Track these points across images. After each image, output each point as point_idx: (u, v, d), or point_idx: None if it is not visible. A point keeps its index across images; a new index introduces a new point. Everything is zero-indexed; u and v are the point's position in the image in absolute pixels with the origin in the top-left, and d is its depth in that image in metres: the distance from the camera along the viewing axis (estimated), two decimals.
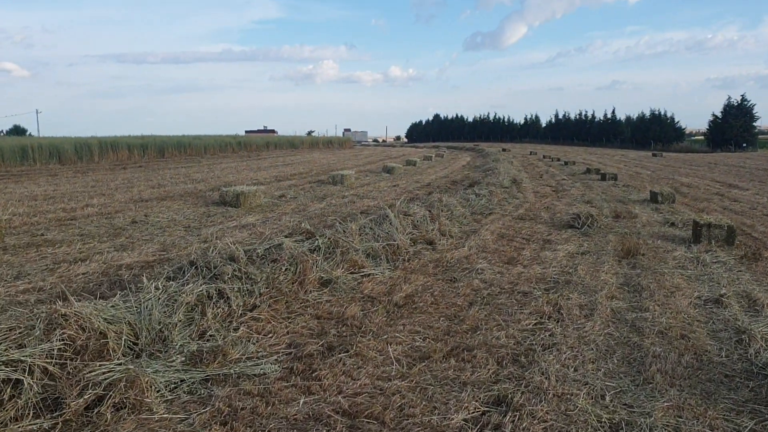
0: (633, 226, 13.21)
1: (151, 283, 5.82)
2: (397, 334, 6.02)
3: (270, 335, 5.93)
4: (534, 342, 5.92)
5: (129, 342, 4.94)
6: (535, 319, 6.63)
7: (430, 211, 12.09)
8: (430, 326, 6.36)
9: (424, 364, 5.33)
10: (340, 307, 6.92)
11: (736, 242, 10.96)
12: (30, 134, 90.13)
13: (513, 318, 6.68)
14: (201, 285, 6.08)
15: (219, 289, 6.21)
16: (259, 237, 10.72)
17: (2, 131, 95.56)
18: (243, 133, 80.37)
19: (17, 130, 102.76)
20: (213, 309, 5.91)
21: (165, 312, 5.46)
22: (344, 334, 6.05)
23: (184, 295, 5.74)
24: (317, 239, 8.42)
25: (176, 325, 5.37)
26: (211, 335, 5.56)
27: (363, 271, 8.35)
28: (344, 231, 9.28)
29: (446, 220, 12.18)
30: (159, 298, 5.58)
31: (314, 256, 7.97)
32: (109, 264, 8.82)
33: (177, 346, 5.09)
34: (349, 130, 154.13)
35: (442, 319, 6.62)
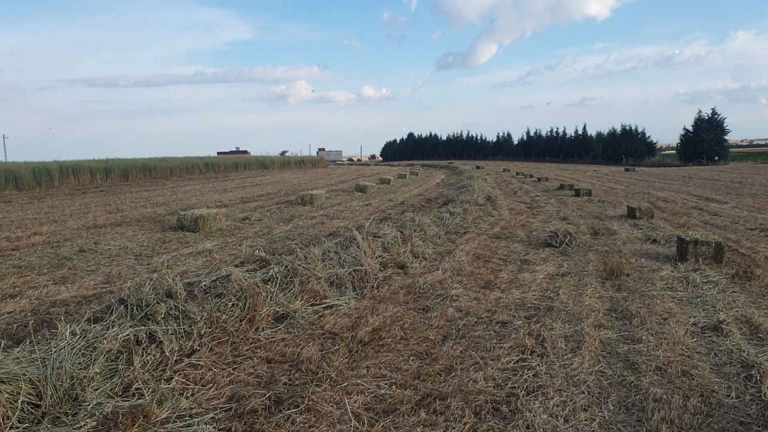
0: (613, 243, 12.55)
1: (67, 328, 4.94)
2: (359, 381, 5.19)
3: (209, 386, 5.06)
4: (516, 384, 5.14)
5: (29, 404, 4.05)
6: (517, 355, 5.85)
7: (401, 231, 11.31)
8: (398, 368, 5.54)
9: (388, 419, 4.50)
10: (295, 347, 6.07)
11: (724, 260, 10.33)
12: None
13: (492, 354, 5.90)
14: (128, 328, 5.20)
15: (150, 332, 5.34)
16: (216, 265, 9.84)
17: None
18: (215, 155, 78.95)
19: None
20: (141, 356, 5.04)
21: (80, 363, 4.58)
22: (297, 382, 5.21)
23: (106, 341, 4.87)
24: (272, 267, 7.57)
25: (93, 378, 4.49)
26: (137, 389, 4.69)
27: (325, 302, 7.52)
28: (305, 257, 8.45)
29: (419, 240, 11.41)
30: (74, 347, 4.70)
31: (269, 287, 7.13)
32: (42, 300, 7.88)
33: (90, 407, 4.21)
34: (323, 149, 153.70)
35: (412, 358, 5.80)
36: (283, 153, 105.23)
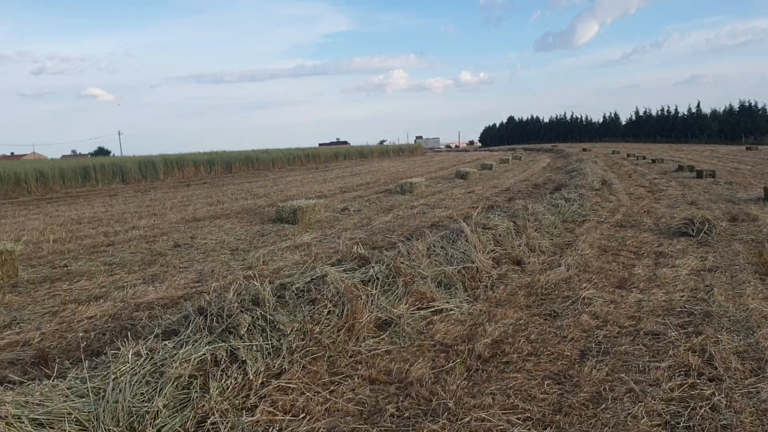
0: (759, 231, 10.84)
1: (130, 348, 4.15)
2: (484, 414, 4.12)
3: (301, 416, 4.15)
4: (692, 423, 3.92)
5: None
6: (681, 379, 4.62)
7: (514, 221, 10.12)
8: (531, 395, 4.44)
9: None
10: (402, 363, 5.10)
11: None
12: (113, 155, 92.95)
13: (648, 377, 4.69)
14: (205, 345, 4.37)
15: (231, 349, 4.49)
16: (311, 263, 9.01)
17: (88, 153, 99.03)
18: (317, 146, 79.63)
19: (101, 152, 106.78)
20: (220, 381, 4.19)
21: (143, 394, 3.77)
22: (407, 413, 4.21)
23: (176, 364, 4.04)
24: (372, 266, 6.62)
25: (158, 413, 3.67)
26: (212, 424, 3.83)
27: (433, 306, 6.51)
28: (408, 253, 7.46)
29: (534, 231, 10.18)
30: (137, 372, 3.90)
31: (369, 288, 6.19)
32: (127, 302, 7.29)
33: None
34: (421, 137, 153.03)
35: (547, 382, 4.68)
36: (381, 142, 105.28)
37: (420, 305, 6.45)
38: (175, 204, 20.13)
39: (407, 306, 6.32)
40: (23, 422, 3.10)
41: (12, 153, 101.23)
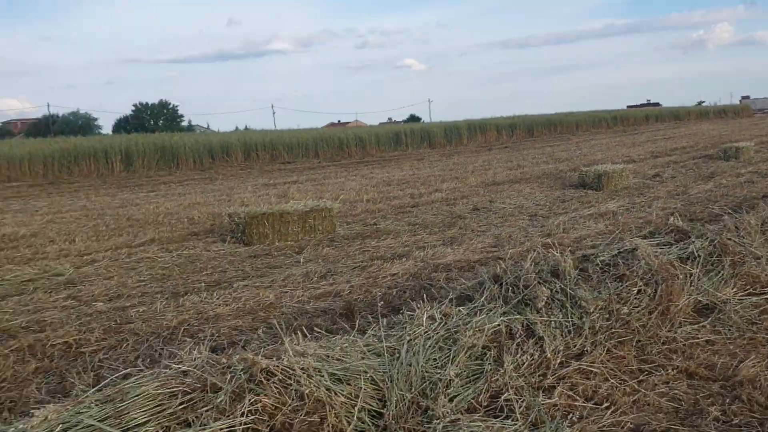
0: None
1: (424, 312, 4.05)
2: None
3: (604, 406, 3.69)
4: None
5: (369, 411, 3.24)
6: None
7: None
8: None
9: None
10: (728, 358, 4.32)
11: None
12: (423, 121, 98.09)
13: None
14: (499, 315, 4.12)
15: (527, 323, 4.17)
16: (618, 234, 8.29)
17: (401, 121, 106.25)
18: (624, 108, 75.00)
19: (412, 118, 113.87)
20: (515, 356, 3.91)
21: (435, 360, 3.64)
22: (735, 419, 3.47)
23: (470, 332, 3.85)
24: (692, 241, 5.77)
25: (450, 382, 3.51)
26: (506, 401, 3.57)
27: None
28: (737, 227, 6.39)
29: None
30: (431, 337, 3.79)
31: (687, 267, 5.40)
32: (426, 263, 7.42)
33: (441, 426, 3.20)
34: (747, 97, 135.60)
35: None
36: (699, 103, 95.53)
37: (751, 290, 5.47)
38: (475, 168, 20.40)
39: (735, 290, 5.40)
40: (323, 376, 3.17)
41: (339, 121, 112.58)
